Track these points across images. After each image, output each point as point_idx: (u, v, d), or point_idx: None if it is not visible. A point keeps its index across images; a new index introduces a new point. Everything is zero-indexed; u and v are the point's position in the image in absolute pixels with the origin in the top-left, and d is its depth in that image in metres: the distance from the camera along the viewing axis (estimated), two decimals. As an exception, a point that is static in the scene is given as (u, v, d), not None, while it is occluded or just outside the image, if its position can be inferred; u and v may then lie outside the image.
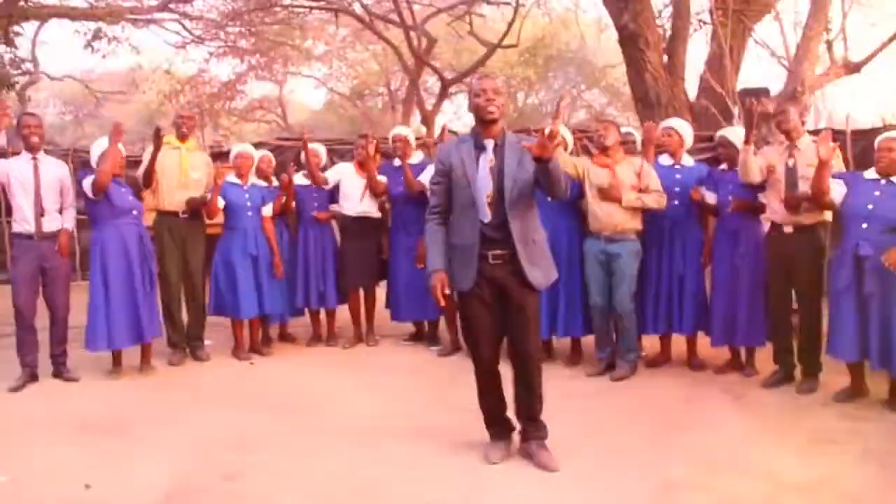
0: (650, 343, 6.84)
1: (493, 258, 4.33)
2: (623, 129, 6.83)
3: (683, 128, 6.57)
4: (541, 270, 4.41)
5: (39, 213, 6.22)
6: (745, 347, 6.30)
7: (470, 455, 4.57)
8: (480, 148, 4.36)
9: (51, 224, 6.27)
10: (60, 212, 6.36)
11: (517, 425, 4.66)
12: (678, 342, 6.62)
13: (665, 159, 6.51)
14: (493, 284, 4.37)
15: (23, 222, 6.22)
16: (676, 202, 6.34)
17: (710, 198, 6.25)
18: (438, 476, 4.34)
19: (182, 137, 7.05)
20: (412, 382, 6.29)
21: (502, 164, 4.31)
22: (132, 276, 6.30)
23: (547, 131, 4.03)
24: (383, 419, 5.33)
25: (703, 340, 6.48)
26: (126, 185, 6.43)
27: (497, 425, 4.64)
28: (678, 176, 6.38)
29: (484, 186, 4.30)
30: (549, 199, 4.48)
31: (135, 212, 6.39)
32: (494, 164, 4.32)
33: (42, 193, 6.23)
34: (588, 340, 6.65)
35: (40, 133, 6.35)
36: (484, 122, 4.35)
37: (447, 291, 4.35)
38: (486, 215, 4.30)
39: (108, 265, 6.25)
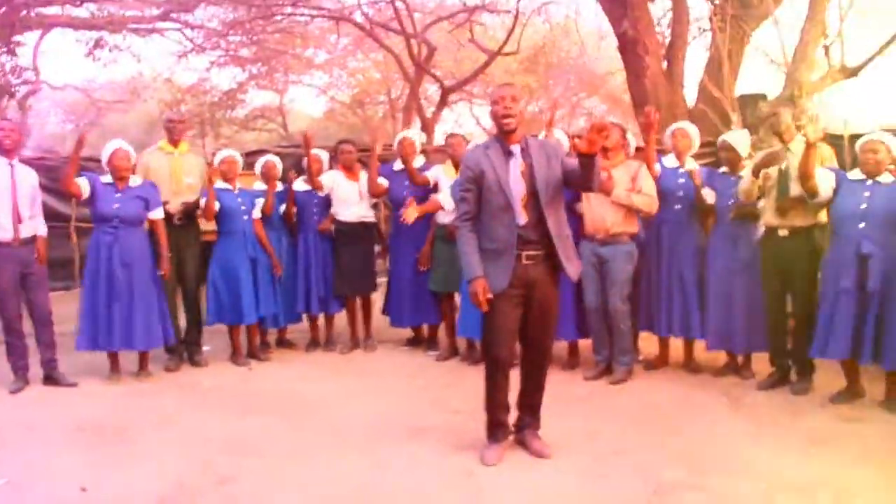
0: (647, 346, 6.84)
1: (526, 258, 4.41)
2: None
3: (693, 131, 6.54)
4: (573, 264, 4.53)
5: (17, 220, 6.15)
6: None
7: (467, 457, 4.58)
8: (508, 153, 4.43)
9: (26, 230, 6.23)
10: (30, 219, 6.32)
11: (512, 427, 4.73)
12: (675, 345, 6.61)
13: (670, 161, 6.47)
14: (524, 284, 4.43)
15: (0, 230, 6.14)
16: (679, 206, 6.33)
17: (710, 197, 6.21)
18: (436, 478, 4.34)
19: (174, 142, 7.04)
20: (409, 386, 6.29)
21: (532, 167, 4.39)
22: (101, 282, 6.28)
23: (594, 127, 4.11)
24: (380, 422, 5.32)
25: (699, 343, 6.48)
26: (126, 192, 6.37)
27: (497, 428, 4.65)
28: (682, 180, 6.33)
29: (518, 190, 4.37)
30: (583, 192, 4.74)
31: (115, 220, 6.31)
32: (525, 168, 4.40)
33: (19, 200, 6.18)
34: (586, 344, 6.64)
35: (14, 137, 6.24)
36: (503, 131, 4.43)
37: (489, 295, 4.36)
38: (522, 217, 4.37)
39: (89, 269, 6.35)
